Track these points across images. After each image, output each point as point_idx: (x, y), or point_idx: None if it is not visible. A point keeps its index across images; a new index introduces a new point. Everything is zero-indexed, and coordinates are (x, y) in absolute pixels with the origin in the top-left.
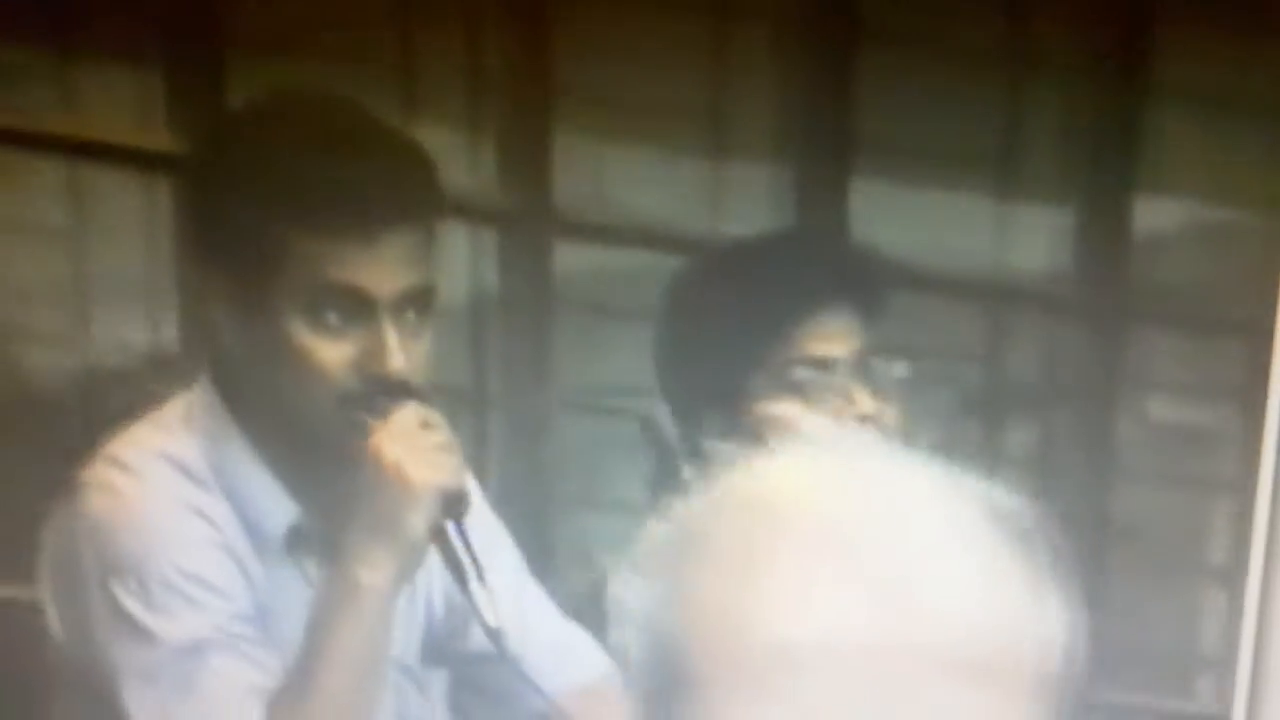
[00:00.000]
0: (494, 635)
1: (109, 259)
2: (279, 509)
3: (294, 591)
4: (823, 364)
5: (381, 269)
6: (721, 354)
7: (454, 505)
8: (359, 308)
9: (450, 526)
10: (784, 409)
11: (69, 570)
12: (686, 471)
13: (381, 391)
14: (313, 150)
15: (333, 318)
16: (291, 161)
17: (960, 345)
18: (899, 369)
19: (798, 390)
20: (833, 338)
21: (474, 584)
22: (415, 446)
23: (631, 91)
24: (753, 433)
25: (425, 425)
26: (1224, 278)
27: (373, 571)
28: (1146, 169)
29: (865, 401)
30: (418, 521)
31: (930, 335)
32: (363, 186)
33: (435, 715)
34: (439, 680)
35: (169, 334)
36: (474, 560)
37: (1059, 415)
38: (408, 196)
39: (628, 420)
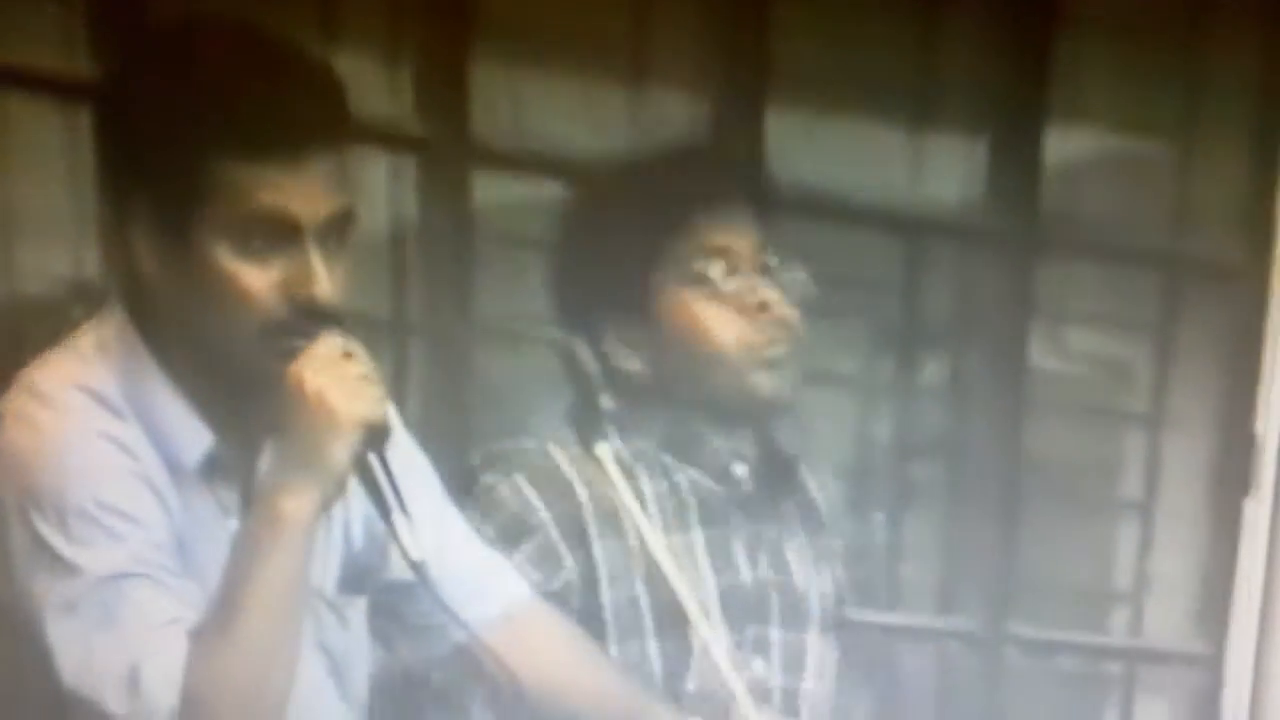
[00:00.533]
0: (416, 566)
1: (31, 188)
2: (195, 438)
3: (210, 521)
4: (723, 253)
5: (308, 193)
6: (622, 252)
7: (376, 435)
8: (285, 233)
9: (372, 456)
10: (689, 304)
11: None
12: (605, 401)
13: (306, 317)
14: (232, 76)
15: (258, 243)
16: (212, 87)
17: (875, 276)
18: (799, 275)
19: (701, 281)
20: (730, 231)
21: (396, 514)
22: (337, 376)
23: (550, 20)
24: (660, 336)
25: (347, 355)
26: (1136, 207)
27: (295, 500)
28: (1057, 97)
29: (767, 292)
30: (340, 451)
31: (845, 266)
32: (286, 110)
33: (355, 644)
34: (358, 609)
35: (92, 263)
36: (395, 490)
37: (972, 346)
38: (329, 119)
39: (548, 350)
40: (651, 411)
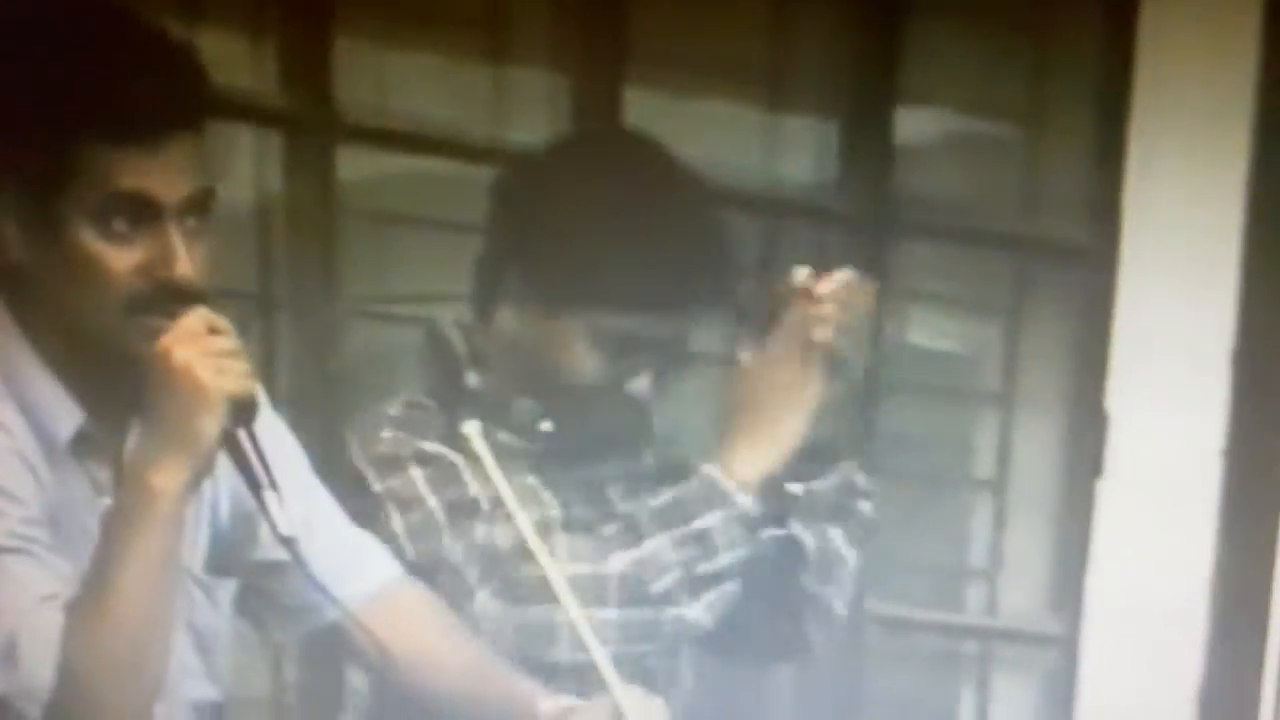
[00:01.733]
0: (287, 543)
1: None
2: (66, 415)
3: (83, 498)
4: None
5: (167, 174)
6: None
7: (244, 410)
8: (145, 214)
9: (241, 432)
10: None
11: None
12: (471, 379)
13: (169, 296)
14: (89, 57)
15: (120, 224)
16: (69, 69)
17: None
18: None
19: None
20: None
21: (266, 491)
22: (204, 351)
23: None
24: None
25: (213, 330)
26: (984, 189)
27: (164, 476)
28: (908, 79)
29: None
30: (208, 426)
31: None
32: (144, 93)
33: (222, 623)
34: (227, 589)
35: None
36: (265, 467)
37: None
38: (188, 101)
39: (413, 327)
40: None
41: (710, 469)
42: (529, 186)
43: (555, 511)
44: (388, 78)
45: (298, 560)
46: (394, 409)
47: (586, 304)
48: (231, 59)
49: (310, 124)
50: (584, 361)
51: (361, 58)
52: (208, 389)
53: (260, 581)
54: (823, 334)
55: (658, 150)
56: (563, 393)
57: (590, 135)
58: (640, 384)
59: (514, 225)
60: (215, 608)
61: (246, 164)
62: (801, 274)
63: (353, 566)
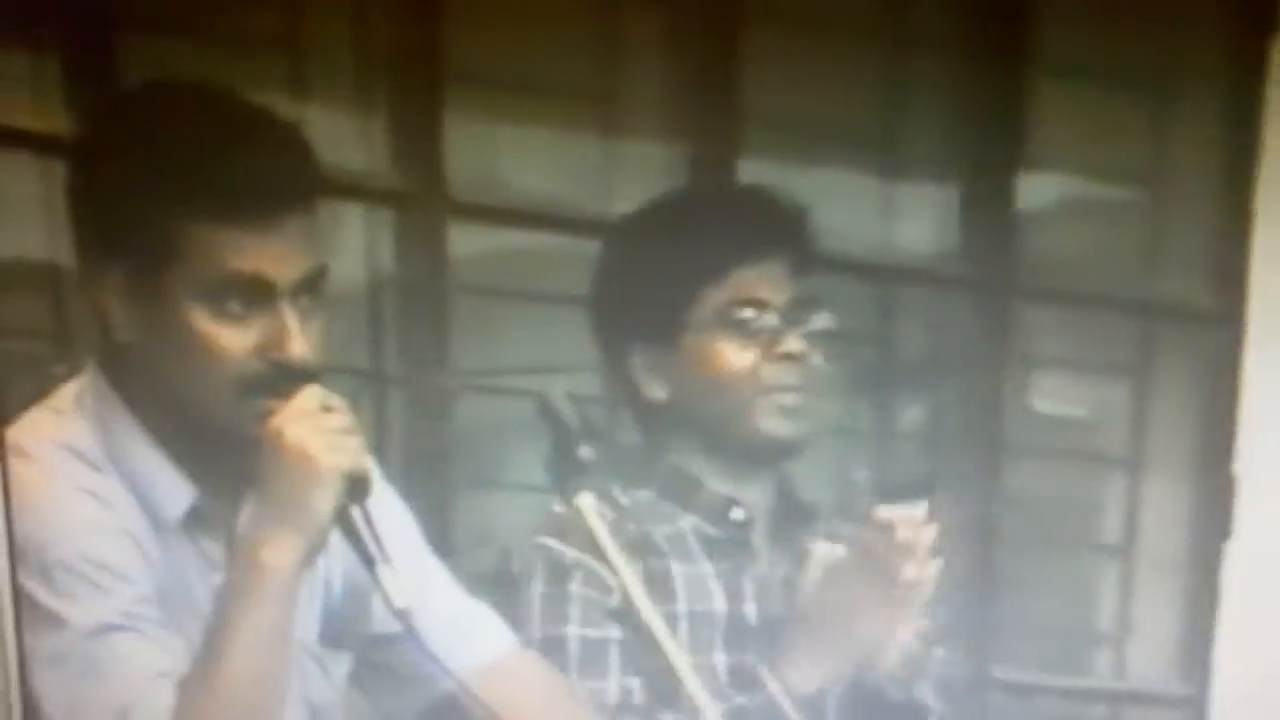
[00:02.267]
0: (401, 616)
1: (9, 243)
2: (176, 491)
3: (194, 574)
4: (759, 305)
5: (280, 255)
6: (664, 289)
7: (357, 487)
8: (259, 294)
9: (354, 508)
10: (718, 344)
11: None
12: (584, 450)
13: (283, 377)
14: (198, 139)
15: (233, 305)
16: (179, 151)
17: (850, 324)
18: (822, 319)
19: (733, 327)
20: (768, 284)
21: (380, 566)
22: (318, 429)
23: (522, 71)
24: (682, 367)
25: (326, 408)
26: (1108, 252)
27: (277, 553)
28: (1029, 144)
29: (793, 341)
30: (322, 503)
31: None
32: (254, 175)
33: (336, 696)
34: (342, 662)
35: (73, 318)
36: (378, 541)
37: (949, 391)
38: (298, 181)
39: (525, 400)
40: (651, 461)
41: (768, 678)
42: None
43: (721, 606)
44: (498, 152)
45: (411, 631)
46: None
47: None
48: (341, 137)
49: (421, 201)
50: (727, 356)
51: (471, 133)
52: (321, 466)
53: (375, 654)
54: (912, 572)
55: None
56: (725, 429)
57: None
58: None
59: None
60: (329, 681)
61: (357, 241)
62: (889, 511)
63: (467, 637)
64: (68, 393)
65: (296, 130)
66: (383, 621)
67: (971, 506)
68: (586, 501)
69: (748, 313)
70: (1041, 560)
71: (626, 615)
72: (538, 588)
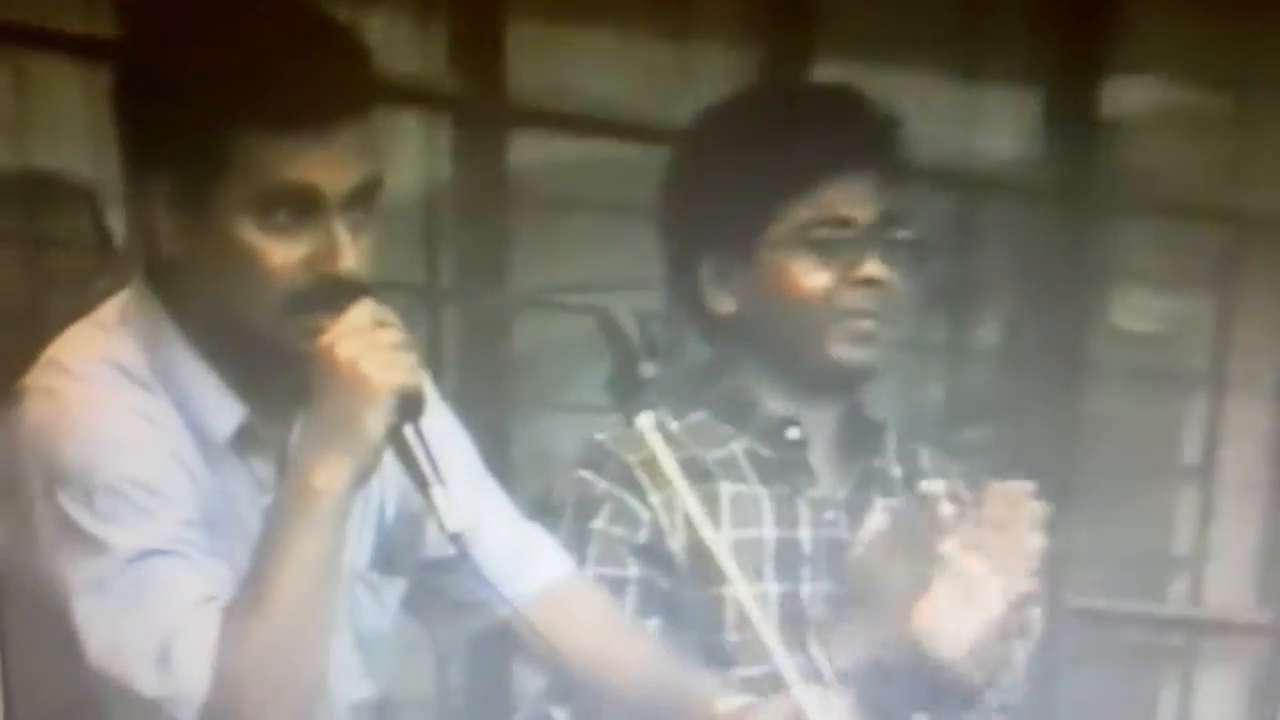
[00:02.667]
0: (455, 540)
1: (54, 153)
2: (226, 410)
3: (244, 496)
4: (845, 223)
5: (332, 165)
6: (746, 200)
7: (411, 406)
8: (309, 206)
9: (408, 428)
10: (796, 264)
11: (11, 479)
12: (647, 370)
13: (333, 290)
14: (252, 45)
15: (282, 217)
16: (231, 56)
17: (925, 236)
18: (903, 233)
19: (813, 245)
20: (858, 200)
21: (433, 486)
22: (370, 345)
23: None
24: (755, 282)
25: (379, 323)
26: (1195, 162)
27: (328, 475)
28: (1115, 50)
29: (875, 266)
30: (375, 423)
31: None
32: (309, 82)
33: (387, 621)
34: (395, 588)
35: (116, 231)
36: (432, 463)
37: (1026, 307)
38: (354, 89)
39: (586, 317)
40: (707, 381)
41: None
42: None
43: (771, 532)
44: (561, 58)
45: (465, 555)
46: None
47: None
48: (398, 42)
49: (480, 108)
50: (804, 277)
51: (534, 37)
52: (374, 384)
53: (429, 579)
54: (950, 548)
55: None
56: (791, 351)
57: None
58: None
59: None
60: (381, 608)
61: (413, 151)
62: (936, 486)
63: (523, 562)
64: (112, 308)
65: (354, 34)
66: (437, 546)
67: (1047, 428)
68: (646, 421)
69: (831, 231)
70: (1118, 483)
71: (656, 550)
72: (566, 522)
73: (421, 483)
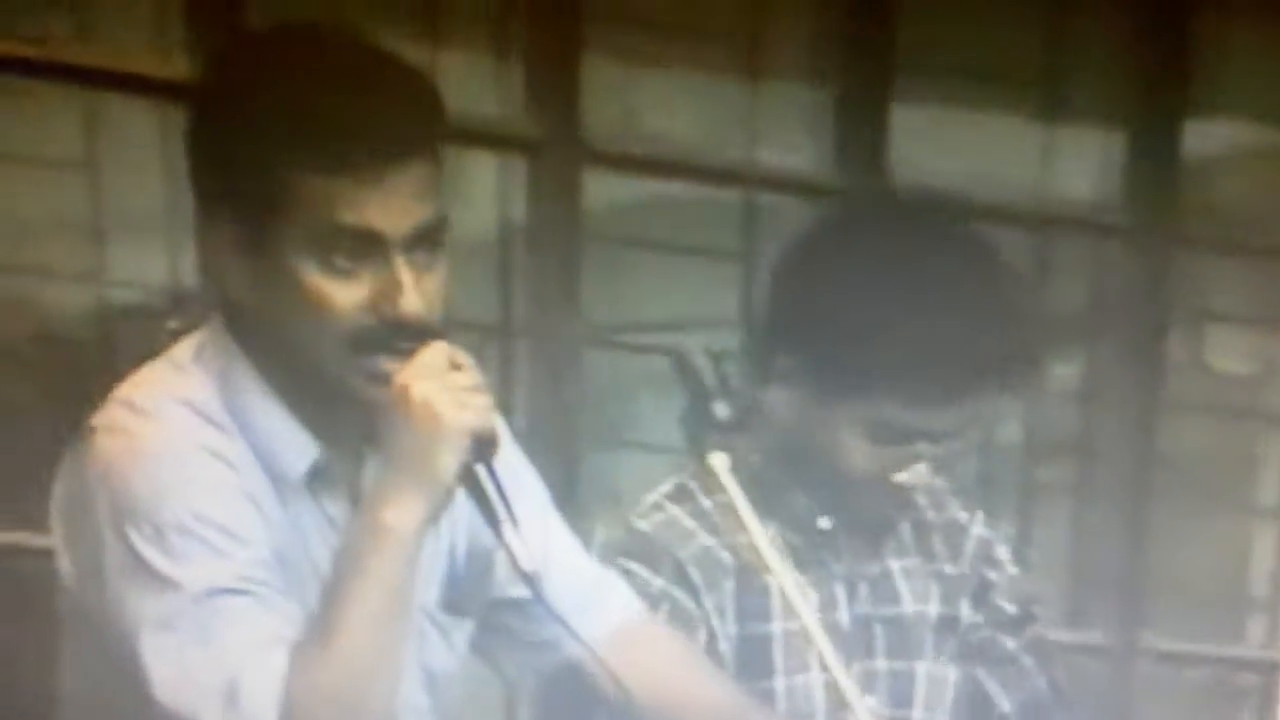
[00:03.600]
0: (528, 577)
1: (126, 192)
2: (300, 449)
3: (316, 534)
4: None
5: (392, 208)
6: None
7: (484, 446)
8: (370, 248)
9: (480, 468)
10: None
11: (82, 516)
12: (720, 410)
13: (396, 333)
14: (313, 85)
15: (343, 259)
16: (291, 97)
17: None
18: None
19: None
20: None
21: (506, 526)
22: (444, 385)
23: (663, 13)
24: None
25: (454, 365)
26: (1276, 202)
27: (401, 514)
28: (1198, 89)
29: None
30: (449, 463)
31: None
32: (368, 122)
33: (456, 663)
34: (464, 629)
35: (188, 269)
36: (505, 503)
37: (1107, 346)
38: (415, 129)
39: (657, 357)
40: (737, 461)
41: None
42: (799, 265)
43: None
44: (636, 98)
45: (538, 594)
46: (655, 500)
47: (862, 396)
48: (474, 82)
49: (555, 148)
50: (857, 453)
51: (609, 77)
52: (448, 425)
53: (497, 619)
54: None
55: (941, 222)
56: (834, 483)
57: (860, 207)
58: (913, 473)
59: (784, 306)
60: (450, 648)
61: (488, 191)
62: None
63: (592, 601)
64: (186, 348)
65: (420, 77)
66: (506, 586)
67: (1125, 465)
68: (720, 461)
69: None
70: (1196, 522)
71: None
72: None
73: (494, 522)
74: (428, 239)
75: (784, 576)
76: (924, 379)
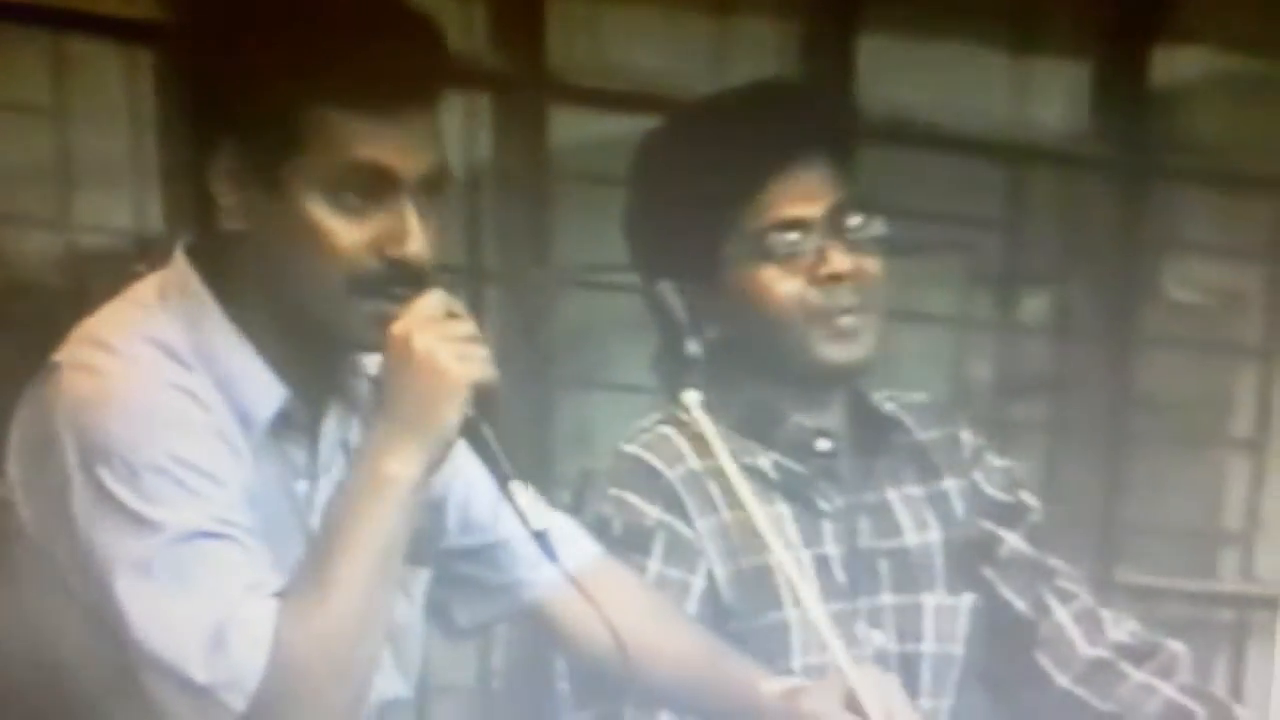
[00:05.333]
0: (538, 538)
1: (93, 137)
2: (268, 392)
3: (276, 480)
4: (796, 225)
5: (408, 148)
6: (693, 221)
7: (485, 398)
8: (382, 188)
9: (485, 425)
10: (759, 276)
11: (46, 455)
12: (692, 346)
13: (397, 277)
14: (335, 21)
15: (353, 197)
16: (313, 32)
17: (974, 208)
18: (876, 226)
19: (771, 255)
20: (805, 197)
21: (513, 483)
22: (445, 337)
23: None
24: (726, 303)
25: (451, 314)
26: (1248, 130)
27: (402, 465)
28: (1168, 16)
29: (839, 259)
30: (451, 415)
31: (942, 198)
32: (391, 60)
33: (415, 614)
34: (421, 580)
35: (154, 214)
36: (505, 457)
37: (1076, 279)
38: (432, 68)
39: (629, 297)
40: (726, 394)
41: None
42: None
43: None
44: (603, 32)
45: (545, 550)
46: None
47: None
48: (437, 16)
49: (522, 85)
50: (775, 284)
51: (575, 12)
52: (452, 376)
53: (453, 568)
54: None
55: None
56: (795, 361)
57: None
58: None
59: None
60: (409, 600)
61: (454, 130)
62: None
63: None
64: (149, 286)
65: (432, 21)
66: (459, 534)
67: (1098, 401)
68: (693, 398)
69: (784, 235)
70: (1170, 457)
71: (712, 589)
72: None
73: (501, 477)
74: (434, 184)
75: (755, 510)
76: (745, 166)
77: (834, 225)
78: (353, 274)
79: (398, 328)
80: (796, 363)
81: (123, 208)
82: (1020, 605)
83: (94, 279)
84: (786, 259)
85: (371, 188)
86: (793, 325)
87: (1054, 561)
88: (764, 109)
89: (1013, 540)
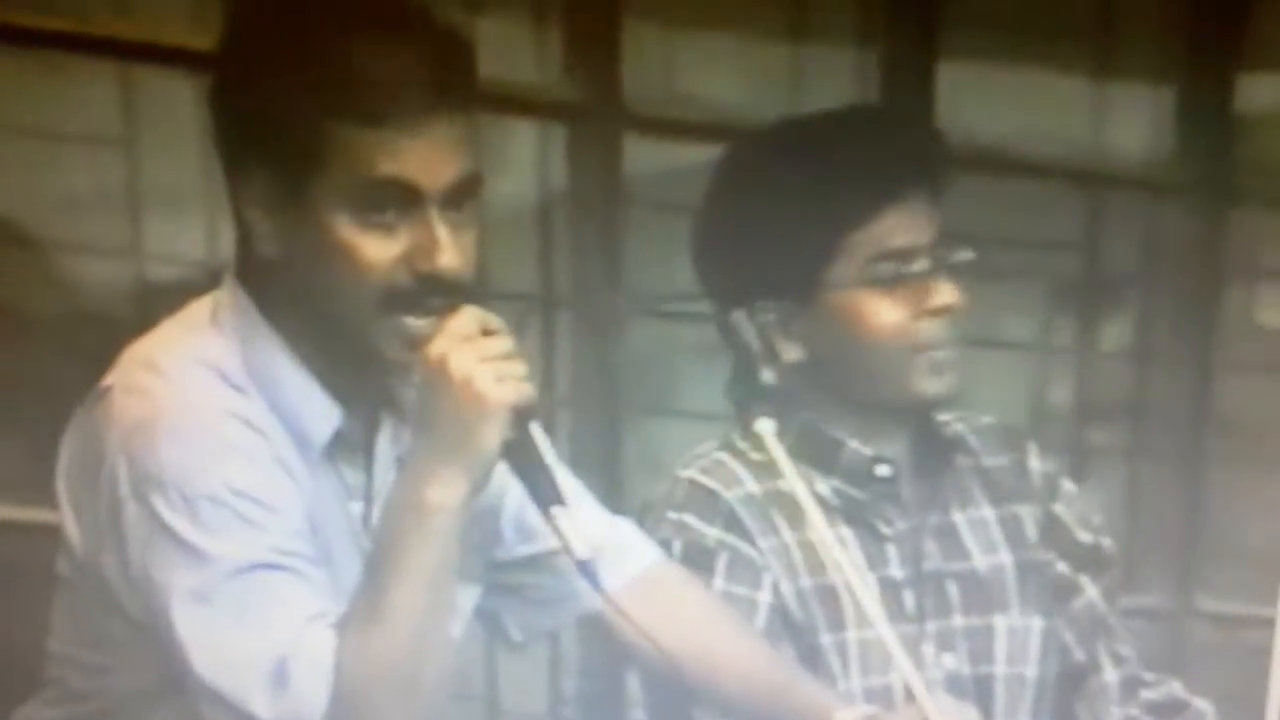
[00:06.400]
0: (583, 569)
1: (163, 166)
2: (323, 413)
3: (334, 503)
4: (906, 253)
5: (429, 159)
6: (797, 242)
7: (524, 417)
8: (407, 202)
9: (530, 444)
10: (865, 303)
11: (96, 478)
12: (766, 375)
13: (430, 290)
14: (349, 37)
15: (378, 213)
16: (328, 49)
17: (1054, 233)
18: (964, 254)
19: (879, 283)
20: (914, 225)
21: (555, 509)
22: (480, 356)
23: None
24: (822, 327)
25: (486, 330)
26: None
27: (442, 491)
28: (1251, 44)
29: (948, 291)
30: (491, 439)
31: (1022, 223)
32: (408, 73)
33: (462, 629)
34: (470, 596)
35: (225, 244)
36: (552, 480)
37: (1158, 304)
38: (452, 82)
39: (700, 324)
40: (784, 420)
41: None
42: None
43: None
44: (677, 62)
45: (591, 581)
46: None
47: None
48: (514, 48)
49: (595, 114)
50: (877, 313)
51: (650, 41)
52: (489, 400)
53: (507, 579)
54: None
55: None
56: (874, 396)
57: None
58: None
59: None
60: (458, 616)
61: (528, 157)
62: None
63: (615, 553)
64: (200, 309)
65: (454, 28)
66: (514, 546)
67: (1178, 426)
68: (766, 426)
69: (896, 265)
70: (1250, 483)
71: (779, 607)
72: None
73: (542, 501)
74: (463, 195)
75: (824, 530)
76: (860, 192)
77: (936, 255)
78: (385, 290)
79: (433, 349)
80: (888, 391)
81: (194, 238)
82: (1079, 655)
83: (164, 309)
84: (892, 287)
85: (396, 202)
86: (893, 354)
87: (1114, 620)
88: (870, 135)
89: (1092, 594)
